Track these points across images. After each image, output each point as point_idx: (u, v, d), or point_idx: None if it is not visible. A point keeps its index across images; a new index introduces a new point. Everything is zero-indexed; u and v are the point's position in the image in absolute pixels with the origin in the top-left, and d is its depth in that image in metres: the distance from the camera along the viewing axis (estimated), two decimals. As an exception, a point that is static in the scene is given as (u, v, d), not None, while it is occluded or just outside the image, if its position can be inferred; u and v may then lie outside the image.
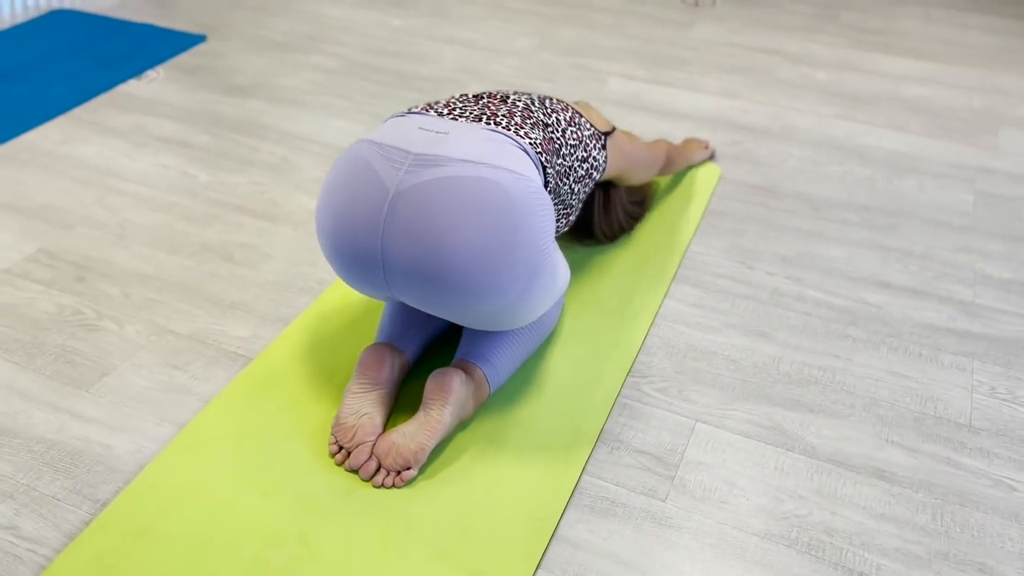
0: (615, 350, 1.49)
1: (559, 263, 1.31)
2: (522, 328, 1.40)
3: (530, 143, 1.31)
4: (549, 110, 1.44)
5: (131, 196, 1.89)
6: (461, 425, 1.34)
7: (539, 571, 1.15)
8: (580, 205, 1.51)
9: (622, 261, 1.70)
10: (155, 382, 1.42)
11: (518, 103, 1.41)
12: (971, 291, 1.67)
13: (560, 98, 1.69)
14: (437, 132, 1.27)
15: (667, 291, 1.64)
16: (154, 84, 2.37)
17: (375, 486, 1.24)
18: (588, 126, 1.50)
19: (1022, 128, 2.26)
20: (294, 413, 1.35)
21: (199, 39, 2.62)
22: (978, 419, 1.39)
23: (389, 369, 1.33)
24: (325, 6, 2.93)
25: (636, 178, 1.70)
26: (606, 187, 1.68)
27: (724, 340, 1.54)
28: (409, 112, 1.35)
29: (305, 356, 1.46)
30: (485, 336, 1.38)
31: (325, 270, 1.68)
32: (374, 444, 1.27)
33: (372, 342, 1.45)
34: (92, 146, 2.07)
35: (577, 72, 2.51)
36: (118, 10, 2.85)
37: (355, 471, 1.26)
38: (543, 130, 1.37)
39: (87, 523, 1.19)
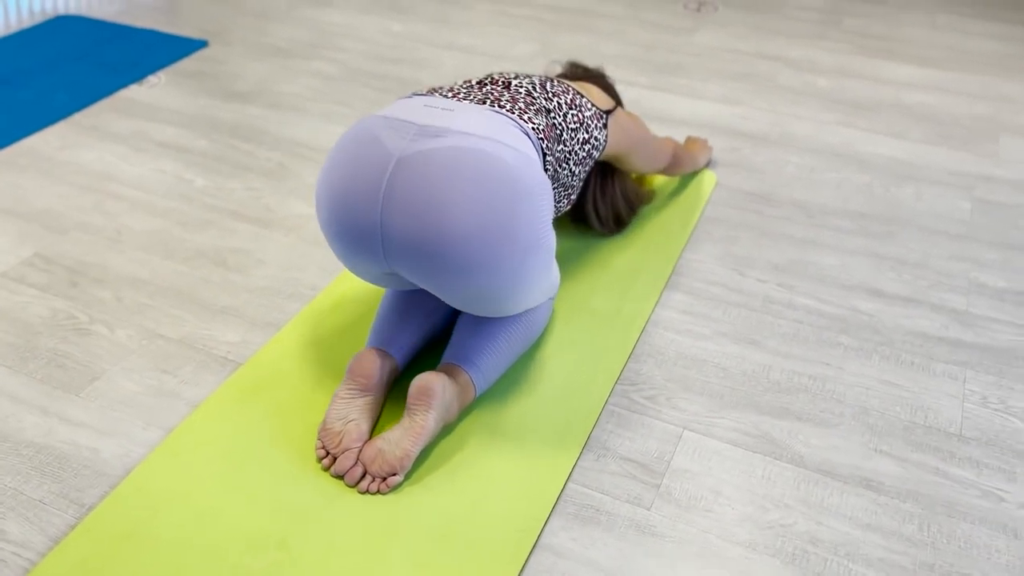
0: (604, 357, 1.49)
1: (554, 251, 1.33)
2: (509, 331, 1.40)
3: (532, 128, 1.36)
4: (550, 94, 1.47)
5: (128, 201, 1.90)
6: (447, 428, 1.34)
7: (520, 579, 1.15)
8: (580, 185, 1.55)
9: (615, 268, 1.70)
10: (144, 386, 1.42)
11: (520, 89, 1.44)
12: (965, 300, 1.66)
13: (562, 78, 1.68)
14: (443, 109, 1.31)
15: (659, 298, 1.64)
16: (155, 89, 2.38)
17: (360, 492, 1.24)
18: (589, 106, 1.53)
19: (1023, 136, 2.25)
20: (282, 419, 1.36)
21: (201, 44, 2.63)
22: (969, 429, 1.38)
23: (378, 375, 1.33)
24: (327, 13, 2.94)
25: (638, 161, 1.70)
26: (605, 172, 1.70)
27: (714, 348, 1.53)
28: (414, 95, 1.39)
29: (294, 362, 1.46)
30: (473, 339, 1.38)
31: (317, 276, 1.69)
32: (360, 451, 1.27)
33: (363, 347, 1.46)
34: (92, 151, 2.08)
35: (576, 78, 2.51)
36: (123, 16, 2.87)
37: (341, 477, 1.26)
38: (545, 116, 1.41)
39: (72, 527, 1.20)
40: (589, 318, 1.57)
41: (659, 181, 1.97)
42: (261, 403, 1.38)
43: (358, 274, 1.36)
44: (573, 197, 1.55)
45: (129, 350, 1.50)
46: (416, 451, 1.25)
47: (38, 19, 2.85)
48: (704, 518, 1.23)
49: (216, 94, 2.37)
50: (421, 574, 1.14)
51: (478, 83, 1.46)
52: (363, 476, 1.25)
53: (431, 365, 1.46)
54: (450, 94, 1.38)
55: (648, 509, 1.24)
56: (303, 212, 1.88)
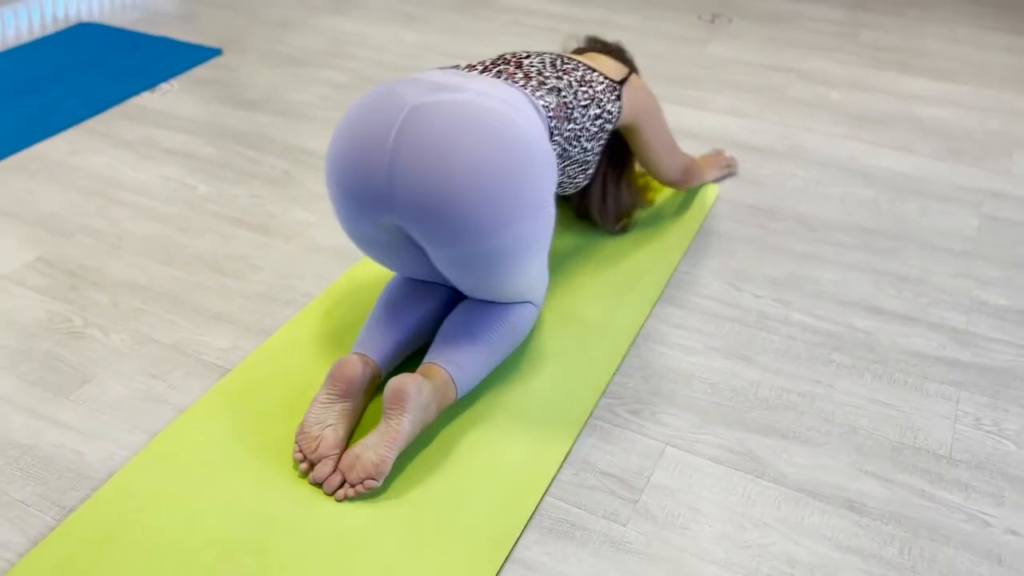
0: (591, 370, 1.48)
1: (551, 231, 1.37)
2: (492, 333, 1.40)
3: (544, 106, 1.42)
4: (560, 72, 1.51)
5: (132, 207, 1.93)
6: (427, 434, 1.34)
7: (490, 592, 1.14)
8: (596, 161, 1.60)
9: (609, 279, 1.69)
10: (133, 391, 1.44)
11: (532, 68, 1.50)
12: (965, 318, 1.63)
13: (572, 54, 1.69)
14: (462, 75, 1.38)
15: (651, 311, 1.63)
16: (167, 97, 2.42)
17: (338, 501, 1.25)
18: (600, 80, 1.56)
19: (1037, 151, 2.21)
20: (264, 426, 1.37)
21: (215, 53, 2.67)
22: (959, 451, 1.35)
23: (359, 382, 1.34)
24: (342, 22, 2.97)
25: (652, 137, 1.71)
26: (613, 164, 1.73)
27: (704, 363, 1.52)
28: (429, 70, 1.45)
29: (281, 369, 1.47)
30: (455, 339, 1.38)
31: (313, 283, 1.70)
32: (338, 459, 1.27)
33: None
34: (100, 157, 2.12)
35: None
36: (141, 23, 2.92)
37: (318, 484, 1.26)
38: (556, 95, 1.46)
39: (52, 528, 1.21)
40: (579, 328, 1.57)
41: (661, 193, 1.96)
42: (245, 410, 1.39)
43: (355, 232, 1.38)
44: (590, 172, 1.61)
45: (121, 354, 1.52)
46: (392, 456, 1.25)
47: (61, 26, 2.91)
48: (680, 536, 1.22)
49: (227, 101, 2.40)
50: (390, 585, 1.14)
51: (491, 62, 1.51)
52: (341, 484, 1.26)
53: (413, 371, 1.46)
54: (466, 69, 1.45)
55: (624, 525, 1.23)
56: (304, 219, 1.89)
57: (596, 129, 1.54)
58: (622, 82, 1.61)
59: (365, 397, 1.37)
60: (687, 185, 1.90)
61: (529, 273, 1.38)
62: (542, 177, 1.31)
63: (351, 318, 1.59)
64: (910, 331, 1.59)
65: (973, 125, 2.33)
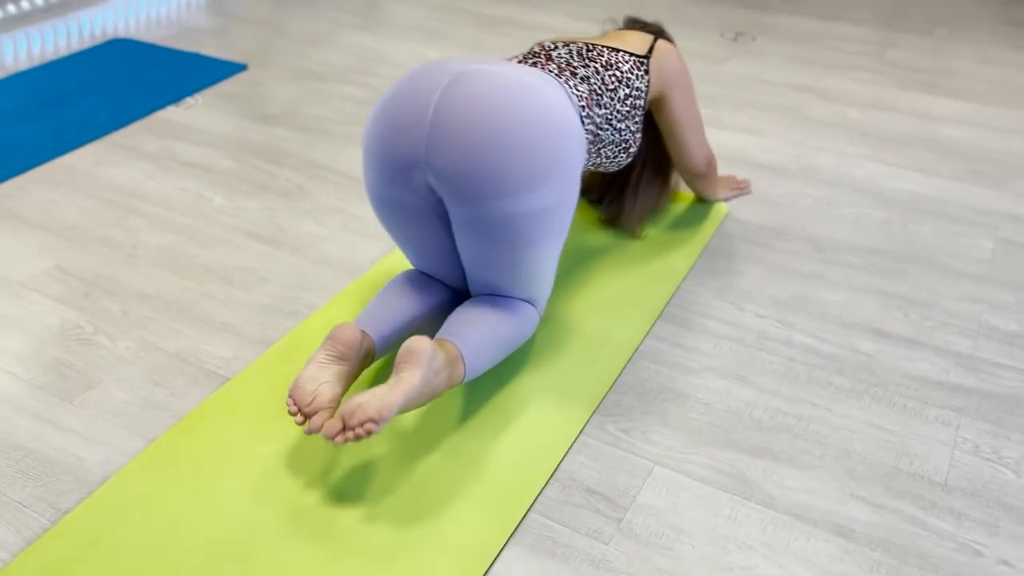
0: (586, 387, 1.48)
1: (571, 217, 1.43)
2: (500, 324, 1.40)
3: (576, 95, 1.49)
4: (587, 60, 1.58)
5: (149, 217, 1.97)
6: (412, 440, 1.35)
7: (467, 606, 1.14)
8: (633, 140, 1.64)
9: (611, 295, 1.69)
10: (135, 397, 1.48)
11: (560, 60, 1.57)
12: (972, 343, 1.60)
13: (596, 40, 1.70)
14: (500, 60, 1.45)
15: (650, 329, 1.62)
16: (191, 111, 2.48)
17: (337, 445, 1.19)
18: (625, 59, 1.62)
19: (1060, 173, 2.16)
20: (257, 435, 1.39)
21: (240, 68, 2.73)
22: (955, 478, 1.33)
23: (357, 347, 1.32)
24: (367, 38, 3.01)
25: (679, 107, 1.73)
26: (653, 161, 1.81)
27: (700, 382, 1.51)
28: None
29: (278, 380, 1.49)
30: (464, 320, 1.39)
31: (318, 296, 1.72)
32: (334, 413, 1.25)
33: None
34: (122, 169, 2.18)
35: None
36: (172, 39, 2.99)
37: (315, 432, 1.23)
38: (587, 84, 1.53)
39: (47, 530, 1.25)
40: (577, 343, 1.57)
41: (671, 209, 1.96)
42: (240, 418, 1.42)
43: (382, 193, 1.41)
44: (632, 151, 1.66)
45: (127, 361, 1.55)
46: (397, 403, 1.20)
47: (96, 41, 2.99)
48: (662, 556, 1.21)
49: (248, 115, 2.45)
50: (368, 596, 1.15)
51: (524, 56, 1.60)
52: (341, 430, 1.20)
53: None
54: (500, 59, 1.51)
55: (606, 544, 1.22)
56: (314, 232, 1.92)
57: (627, 109, 1.60)
58: (648, 53, 1.66)
59: (359, 366, 1.35)
60: (708, 185, 1.90)
61: (541, 258, 1.40)
62: (574, 152, 1.37)
63: (351, 330, 1.61)
64: (914, 355, 1.57)
65: (995, 146, 2.30)
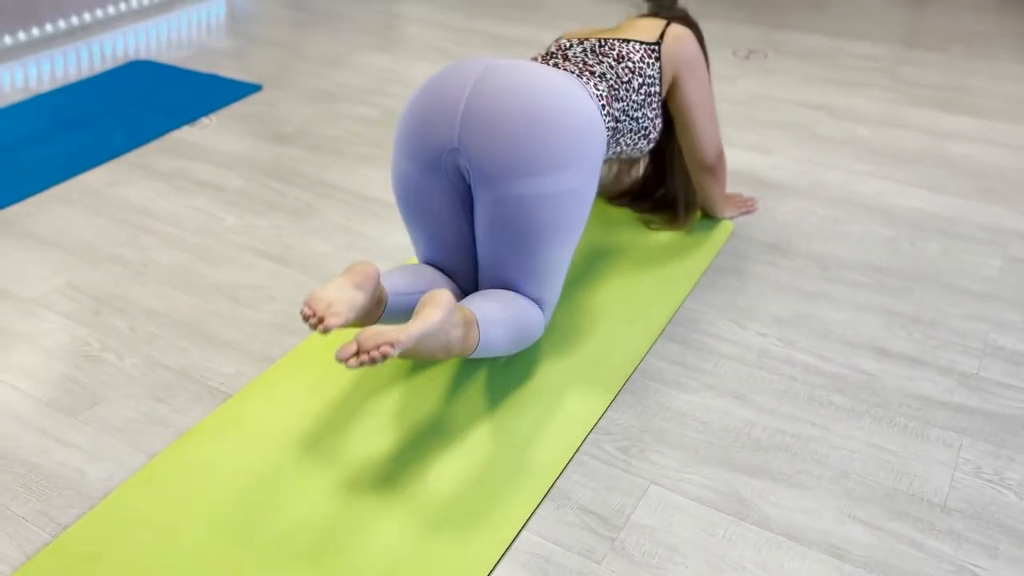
0: (584, 405, 1.48)
1: (589, 210, 1.48)
2: (511, 310, 1.42)
3: (597, 93, 1.56)
4: (600, 56, 1.64)
5: (160, 236, 2.01)
6: (407, 451, 1.36)
7: (457, 624, 1.15)
8: (653, 124, 1.71)
9: (613, 312, 1.69)
10: (139, 413, 1.50)
11: (576, 59, 1.64)
12: (977, 363, 1.58)
13: (608, 34, 1.73)
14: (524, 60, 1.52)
15: (651, 347, 1.62)
16: (206, 131, 2.52)
17: (350, 367, 1.16)
18: (636, 49, 1.67)
19: (1073, 191, 2.14)
20: (255, 452, 1.40)
21: (255, 88, 2.77)
22: (955, 499, 1.31)
23: (374, 282, 1.30)
24: (383, 59, 3.05)
25: (692, 90, 1.75)
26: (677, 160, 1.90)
27: (698, 401, 1.50)
28: None
29: (278, 397, 1.51)
30: (480, 297, 1.42)
31: (322, 313, 1.74)
32: (349, 322, 1.24)
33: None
34: (136, 188, 2.22)
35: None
36: (191, 60, 3.05)
37: (330, 331, 1.21)
38: (604, 81, 1.60)
39: (47, 544, 1.27)
40: (577, 361, 1.57)
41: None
42: (239, 435, 1.43)
43: (407, 172, 1.46)
44: (652, 136, 1.72)
45: (132, 378, 1.58)
46: (417, 333, 1.18)
47: (119, 61, 3.06)
48: None
49: (261, 136, 2.48)
50: (359, 613, 1.15)
51: (543, 56, 1.68)
52: (355, 354, 1.17)
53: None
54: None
55: (598, 563, 1.22)
56: (322, 250, 1.94)
57: (643, 97, 1.66)
58: (659, 39, 1.69)
59: (372, 300, 1.32)
60: (716, 183, 1.89)
61: (556, 250, 1.44)
62: (596, 141, 1.44)
63: (353, 348, 1.62)
64: (917, 374, 1.56)
65: (1007, 164, 2.28)
